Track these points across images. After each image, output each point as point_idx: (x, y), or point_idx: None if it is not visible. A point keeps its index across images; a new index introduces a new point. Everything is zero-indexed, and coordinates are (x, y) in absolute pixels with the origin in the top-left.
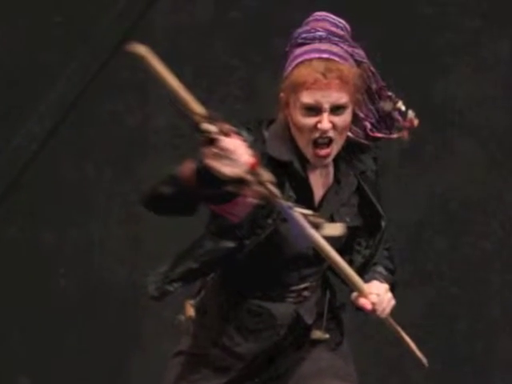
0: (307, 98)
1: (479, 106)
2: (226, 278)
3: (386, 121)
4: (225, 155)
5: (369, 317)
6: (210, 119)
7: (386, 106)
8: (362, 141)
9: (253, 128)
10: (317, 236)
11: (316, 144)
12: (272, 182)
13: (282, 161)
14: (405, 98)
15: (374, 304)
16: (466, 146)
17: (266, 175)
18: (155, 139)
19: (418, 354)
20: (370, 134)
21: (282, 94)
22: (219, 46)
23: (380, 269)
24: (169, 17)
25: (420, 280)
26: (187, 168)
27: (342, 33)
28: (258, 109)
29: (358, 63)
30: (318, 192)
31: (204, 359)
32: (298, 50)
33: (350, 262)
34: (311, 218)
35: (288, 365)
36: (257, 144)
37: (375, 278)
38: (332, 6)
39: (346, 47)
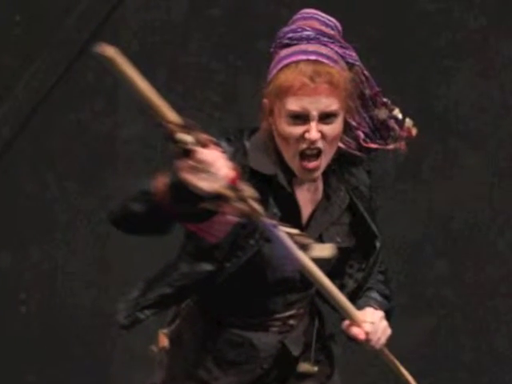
0: (293, 104)
1: (485, 114)
2: (204, 304)
3: (380, 130)
4: (202, 168)
5: (362, 347)
6: (186, 128)
7: (381, 113)
8: (355, 152)
9: (233, 138)
10: (304, 258)
11: (303, 156)
12: (254, 198)
13: (266, 174)
14: (402, 105)
15: (367, 333)
16: (470, 158)
17: (248, 190)
18: (125, 150)
19: None
20: (364, 144)
21: (265, 101)
22: (196, 46)
23: (374, 294)
24: (140, 14)
25: (419, 307)
26: (160, 182)
27: (332, 32)
28: (239, 116)
29: (350, 66)
30: (306, 209)
31: None
32: (284, 52)
33: (342, 287)
34: (298, 238)
35: None
36: (237, 156)
37: (369, 305)
38: (322, 2)
39: (336, 48)
